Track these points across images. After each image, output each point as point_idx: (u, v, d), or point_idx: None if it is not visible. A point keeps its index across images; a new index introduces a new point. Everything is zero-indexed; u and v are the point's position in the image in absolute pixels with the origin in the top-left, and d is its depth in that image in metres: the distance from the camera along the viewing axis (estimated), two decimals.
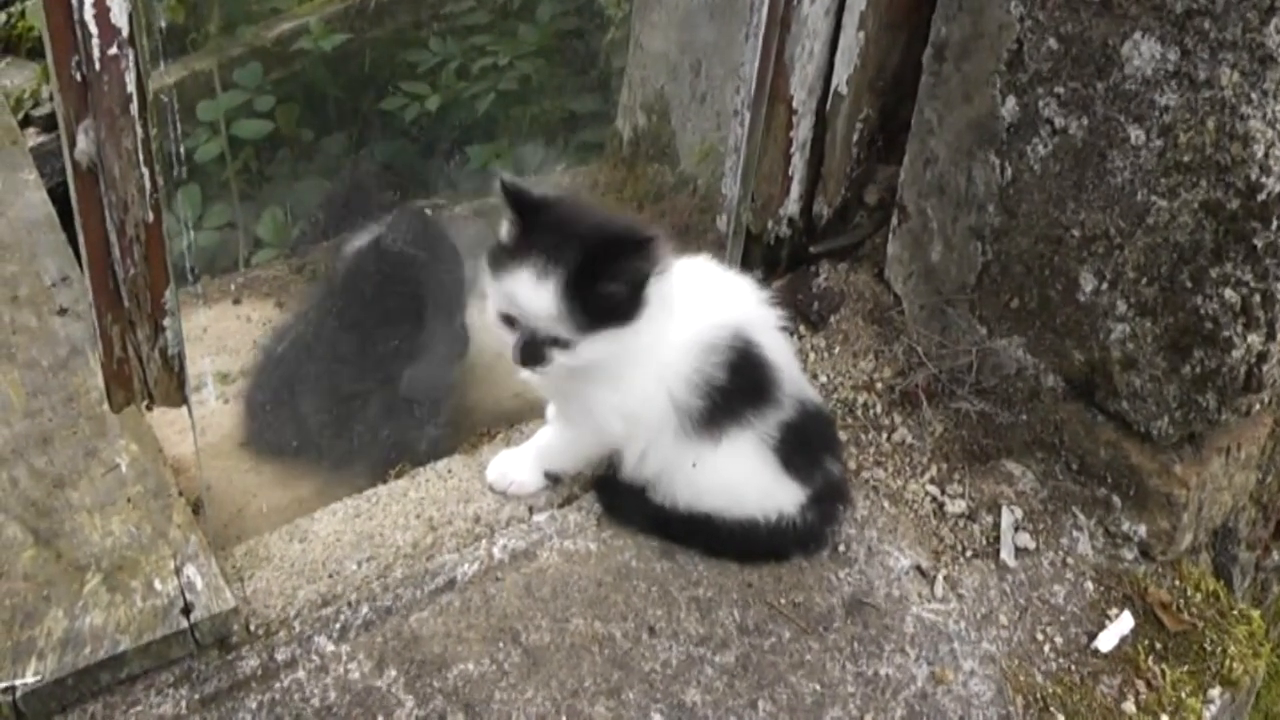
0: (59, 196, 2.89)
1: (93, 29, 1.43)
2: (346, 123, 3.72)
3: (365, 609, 1.69)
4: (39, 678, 1.53)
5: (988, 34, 2.08)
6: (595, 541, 1.85)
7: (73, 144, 1.49)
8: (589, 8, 3.64)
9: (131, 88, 1.48)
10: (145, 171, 1.53)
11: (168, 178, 1.62)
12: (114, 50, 1.45)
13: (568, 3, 3.69)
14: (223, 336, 2.48)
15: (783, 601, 1.80)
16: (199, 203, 3.30)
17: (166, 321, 1.65)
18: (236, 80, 3.50)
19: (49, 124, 3.47)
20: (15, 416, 2.04)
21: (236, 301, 2.54)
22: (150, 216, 1.55)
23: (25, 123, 3.51)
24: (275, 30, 3.69)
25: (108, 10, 1.42)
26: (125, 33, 1.45)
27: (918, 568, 1.91)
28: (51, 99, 3.48)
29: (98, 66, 1.45)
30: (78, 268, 2.53)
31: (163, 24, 1.94)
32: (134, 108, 1.49)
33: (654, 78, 2.88)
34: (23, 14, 4.11)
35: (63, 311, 2.38)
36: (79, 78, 1.46)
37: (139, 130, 1.50)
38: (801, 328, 2.31)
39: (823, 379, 2.23)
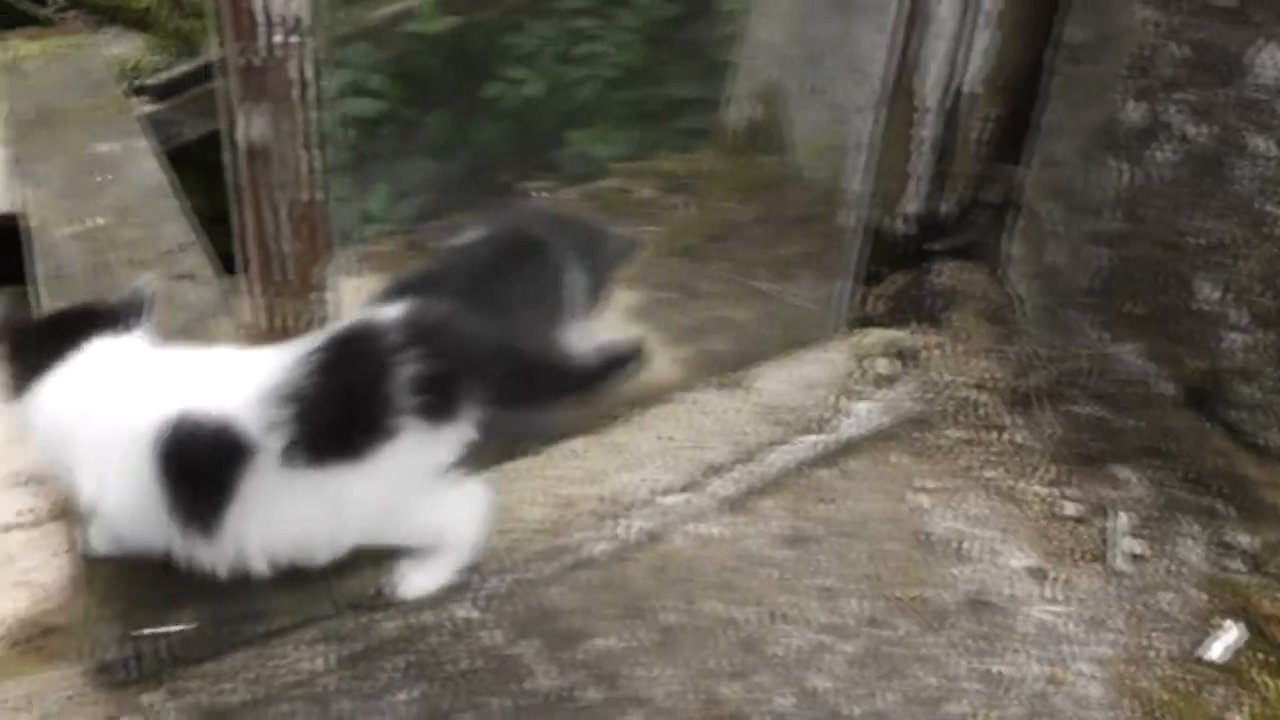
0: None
1: (271, 17, 1.48)
2: (451, 103, 3.77)
3: (501, 580, 1.74)
4: (191, 625, 1.60)
5: (1116, 38, 2.09)
6: (721, 526, 1.89)
7: (240, 126, 1.54)
8: None
9: (298, 74, 1.52)
10: (309, 153, 1.58)
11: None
12: (282, 38, 1.50)
13: None
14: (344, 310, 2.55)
15: (905, 595, 1.83)
16: None
17: (314, 296, 1.71)
18: (346, 59, 3.58)
19: (161, 93, 3.54)
20: None
21: (354, 275, 2.59)
22: (311, 196, 1.60)
23: (138, 91, 3.59)
24: (384, 10, 3.77)
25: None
26: (301, 21, 1.49)
27: (1033, 568, 1.93)
28: (167, 70, 3.59)
29: (272, 55, 1.50)
30: (194, 234, 2.63)
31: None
32: (299, 92, 1.54)
33: (766, 68, 2.91)
34: None
35: (185, 277, 2.46)
36: (251, 63, 1.51)
37: (305, 114, 1.55)
38: (920, 325, 2.33)
39: (939, 377, 2.25)
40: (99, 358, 1.53)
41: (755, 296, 2.52)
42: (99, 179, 2.90)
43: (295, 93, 1.53)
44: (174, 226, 2.68)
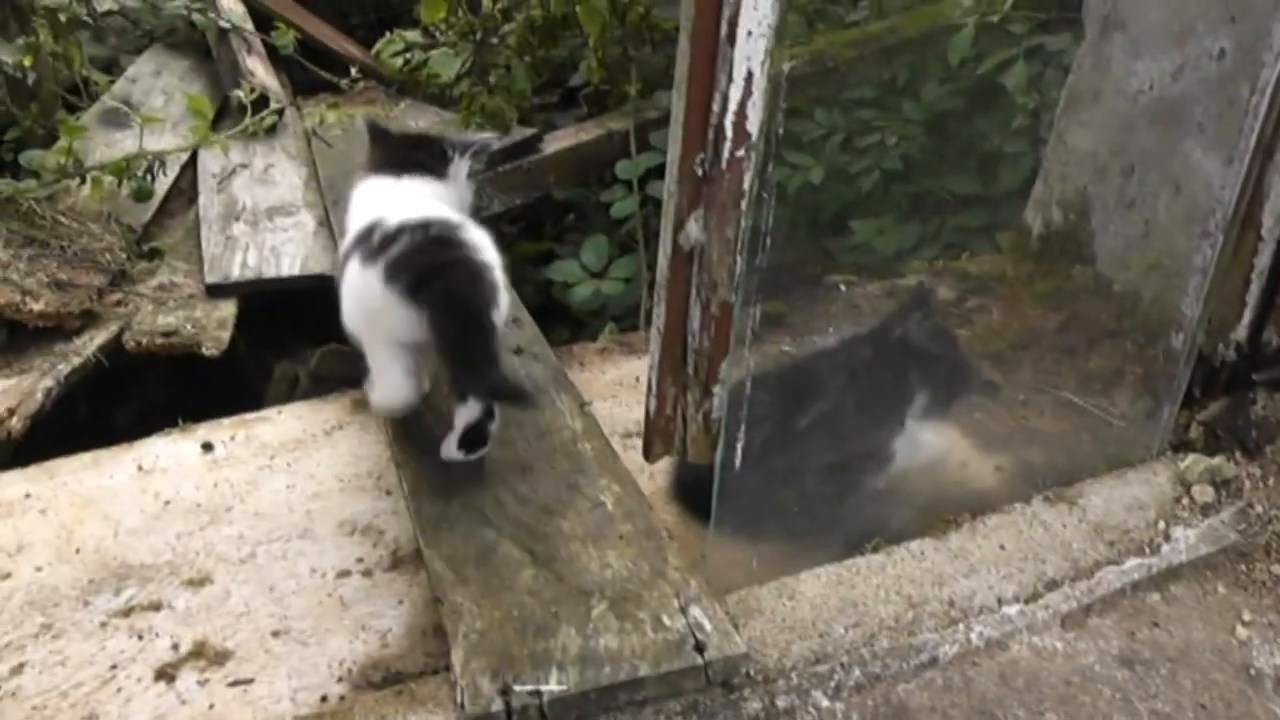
0: None
1: (728, 134, 1.62)
2: None
3: (856, 672, 1.82)
4: (563, 687, 1.70)
5: None
6: (1060, 640, 1.94)
7: (679, 228, 1.68)
8: (973, 89, 3.68)
9: (746, 185, 1.66)
10: (738, 259, 1.71)
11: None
12: (740, 152, 1.64)
13: (954, 83, 3.74)
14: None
15: None
16: (605, 253, 3.54)
17: (716, 389, 1.83)
18: (653, 142, 3.74)
19: None
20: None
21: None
22: (732, 297, 1.73)
23: None
24: None
25: (745, 119, 1.61)
26: (754, 138, 1.63)
27: None
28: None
29: (722, 166, 1.64)
30: (521, 308, 2.77)
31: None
32: (744, 203, 1.67)
33: (1076, 175, 2.94)
34: (424, 62, 4.44)
35: (519, 351, 2.61)
36: (700, 173, 1.65)
37: (743, 222, 1.68)
38: (1238, 454, 2.34)
39: (1259, 508, 2.25)
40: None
41: (1066, 408, 2.56)
42: None
43: (738, 202, 1.66)
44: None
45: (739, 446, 1.87)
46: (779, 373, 2.07)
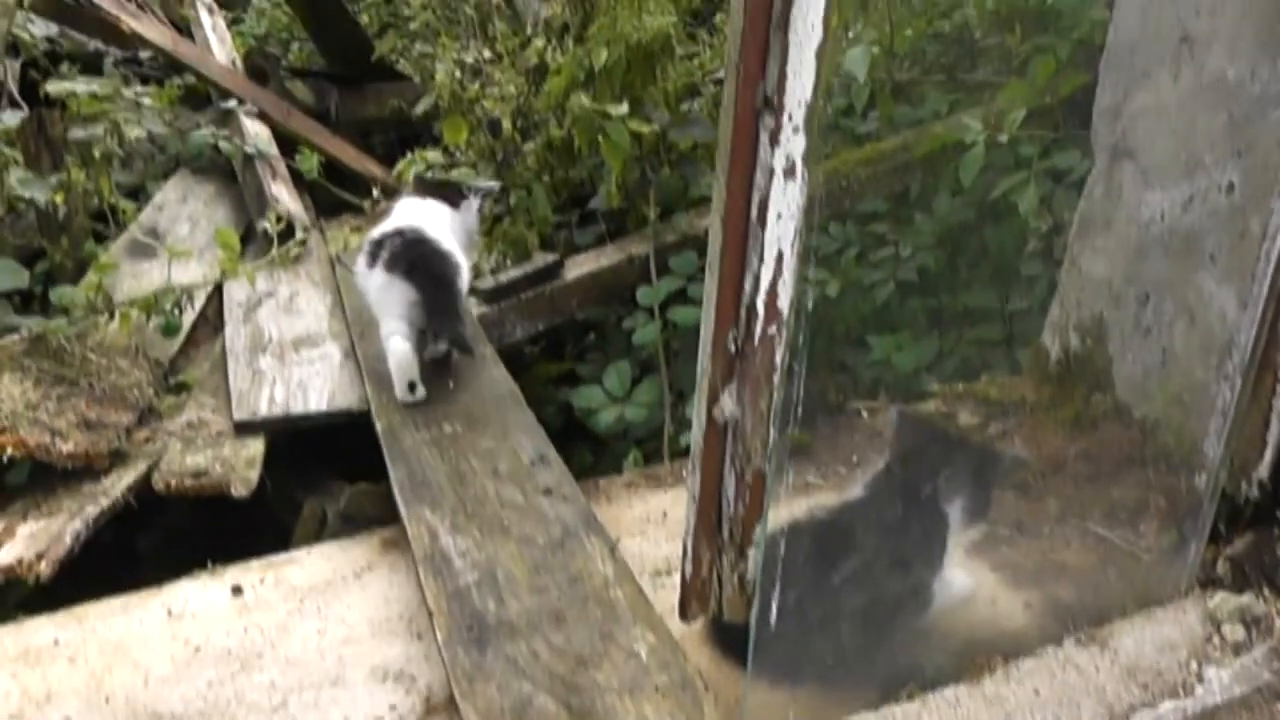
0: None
1: (759, 312, 1.66)
2: None
3: None
4: None
5: None
6: None
7: (714, 401, 1.71)
8: (985, 203, 3.73)
9: (778, 360, 1.69)
10: (771, 430, 1.74)
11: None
12: (772, 329, 1.68)
13: (966, 197, 3.78)
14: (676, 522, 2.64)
15: None
16: (628, 377, 3.57)
17: (751, 551, 1.85)
18: (673, 267, 3.79)
19: (490, 296, 3.75)
20: (523, 591, 2.28)
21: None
22: (765, 466, 1.76)
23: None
24: (708, 220, 3.95)
25: (776, 297, 1.65)
26: (785, 314, 1.67)
27: None
28: (495, 274, 3.82)
29: (755, 342, 1.68)
30: (548, 446, 2.79)
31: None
32: (776, 376, 1.71)
33: (1091, 301, 2.96)
34: None
35: (548, 492, 2.61)
36: (733, 349, 1.69)
37: (775, 395, 1.72)
38: (1266, 591, 2.34)
39: None
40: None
41: (1092, 539, 2.57)
42: (448, 384, 3.09)
43: (771, 376, 1.70)
44: (527, 438, 2.82)
45: (774, 604, 1.89)
46: (812, 528, 2.09)
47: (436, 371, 3.15)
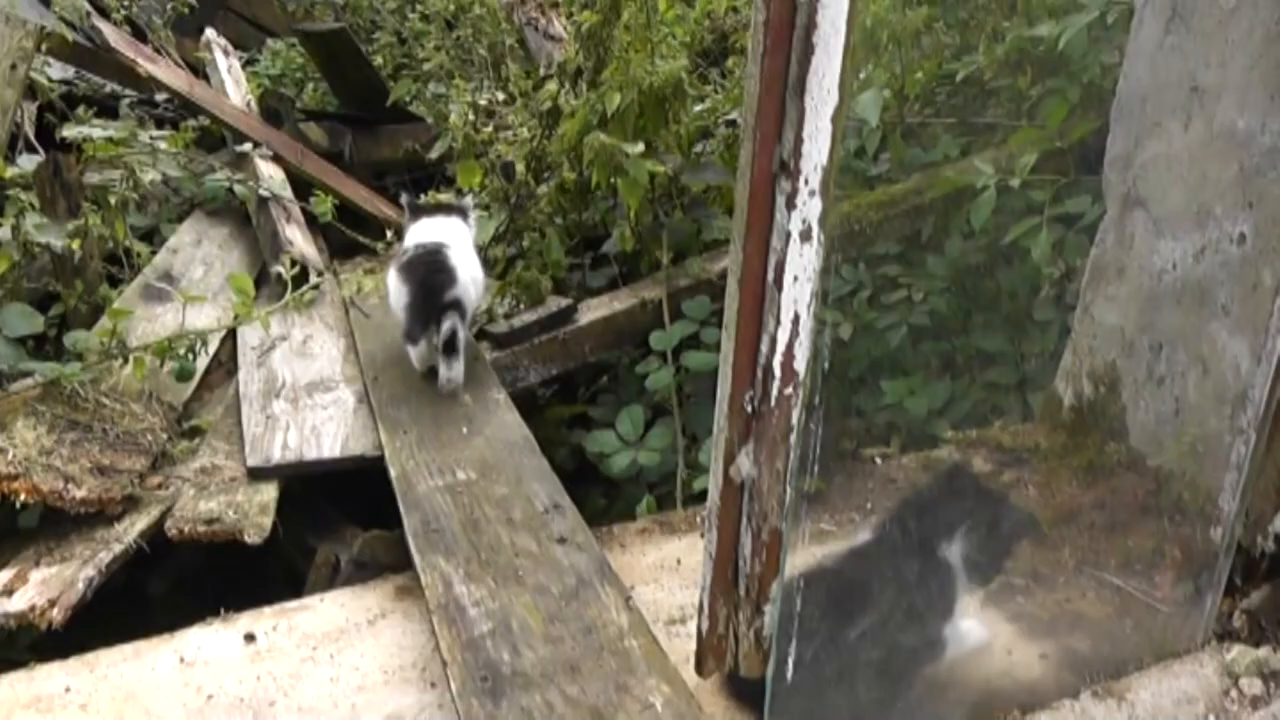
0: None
1: (776, 373, 1.67)
2: None
3: None
4: None
5: None
6: None
7: (730, 461, 1.72)
8: (999, 247, 3.72)
9: (794, 420, 1.70)
10: (787, 488, 1.74)
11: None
12: (788, 390, 1.68)
13: (976, 239, 3.78)
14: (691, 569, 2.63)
15: None
16: (641, 422, 3.57)
17: (767, 608, 1.85)
18: (685, 311, 3.80)
19: (502, 341, 3.76)
20: (537, 641, 2.27)
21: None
22: (782, 524, 1.76)
23: (478, 336, 3.77)
24: (720, 264, 3.96)
25: (793, 359, 1.66)
26: (800, 376, 1.68)
27: None
28: (508, 319, 3.82)
29: (771, 403, 1.69)
30: (562, 494, 2.78)
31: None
32: (792, 436, 1.71)
33: (1104, 349, 2.96)
34: None
35: (562, 540, 2.61)
36: (749, 409, 1.70)
37: (790, 455, 1.72)
38: None
39: None
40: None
41: (1106, 589, 2.56)
42: (461, 429, 3.08)
43: (787, 436, 1.70)
44: (541, 485, 2.82)
45: (790, 659, 1.88)
46: (825, 581, 2.08)
47: (450, 418, 3.11)
